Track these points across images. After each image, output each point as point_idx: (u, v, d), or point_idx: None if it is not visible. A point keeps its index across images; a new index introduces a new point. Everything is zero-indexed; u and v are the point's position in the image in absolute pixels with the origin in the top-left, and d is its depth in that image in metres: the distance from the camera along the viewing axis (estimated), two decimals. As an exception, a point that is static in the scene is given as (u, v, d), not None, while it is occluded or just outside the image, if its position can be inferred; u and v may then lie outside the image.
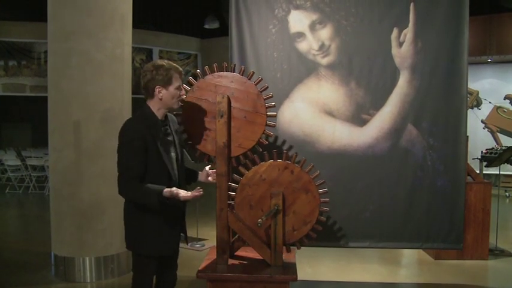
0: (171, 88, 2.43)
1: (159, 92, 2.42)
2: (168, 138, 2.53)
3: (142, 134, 2.37)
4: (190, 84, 2.79)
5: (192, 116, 2.76)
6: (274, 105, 2.87)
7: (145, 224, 2.44)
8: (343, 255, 4.93)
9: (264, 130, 2.80)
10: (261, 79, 2.84)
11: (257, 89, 2.79)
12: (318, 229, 2.82)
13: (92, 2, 4.10)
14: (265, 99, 2.79)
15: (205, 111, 2.76)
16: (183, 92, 2.57)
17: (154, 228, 2.45)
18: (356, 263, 4.79)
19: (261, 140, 2.81)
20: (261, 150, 2.82)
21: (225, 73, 2.80)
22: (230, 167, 2.86)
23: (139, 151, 2.36)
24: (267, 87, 2.85)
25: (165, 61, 2.47)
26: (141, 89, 2.49)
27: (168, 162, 2.46)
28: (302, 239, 2.82)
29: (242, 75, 2.81)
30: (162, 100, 2.44)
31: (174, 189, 2.32)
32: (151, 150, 2.39)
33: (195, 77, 2.83)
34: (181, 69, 2.52)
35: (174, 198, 2.31)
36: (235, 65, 2.90)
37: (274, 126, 2.93)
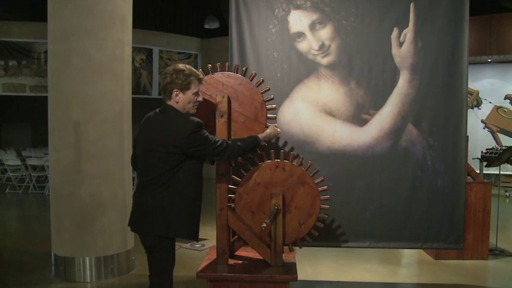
0: (189, 93, 2.49)
1: (176, 95, 2.48)
2: None
3: (202, 124, 2.52)
4: None
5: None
6: (275, 118, 2.88)
7: (189, 208, 2.52)
8: (343, 255, 4.93)
9: None
10: (269, 88, 2.85)
11: (262, 98, 2.80)
12: (324, 218, 2.83)
13: (92, 2, 4.10)
14: (268, 110, 2.79)
15: (206, 107, 2.76)
16: (201, 97, 2.58)
17: (195, 211, 2.56)
18: (356, 263, 4.79)
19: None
20: (251, 157, 2.83)
21: (235, 74, 2.81)
22: (230, 167, 2.87)
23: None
24: (273, 98, 2.86)
25: (187, 66, 2.53)
26: (161, 90, 2.57)
27: None
28: (311, 233, 2.82)
29: (251, 80, 2.82)
30: (179, 103, 2.50)
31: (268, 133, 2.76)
32: None
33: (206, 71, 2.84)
34: (201, 76, 2.57)
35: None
36: (246, 69, 2.90)
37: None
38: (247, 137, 2.69)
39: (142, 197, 2.54)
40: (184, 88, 2.47)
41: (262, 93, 2.81)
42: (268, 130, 2.77)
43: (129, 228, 2.61)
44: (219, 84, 2.78)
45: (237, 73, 2.82)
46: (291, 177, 2.77)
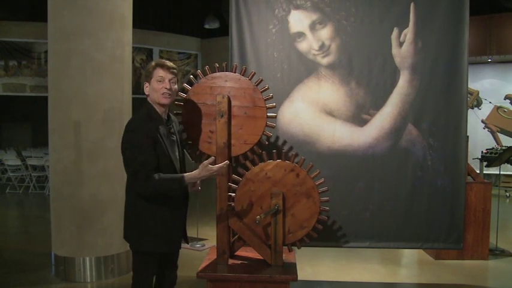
0: (153, 81, 2.43)
1: (146, 87, 2.46)
2: (172, 137, 2.54)
3: (151, 131, 2.38)
4: (185, 90, 2.80)
5: (191, 120, 2.77)
6: (272, 97, 2.85)
7: (145, 220, 2.44)
8: (343, 255, 4.93)
9: (266, 122, 2.79)
10: (254, 73, 2.84)
11: (252, 84, 2.79)
12: (313, 236, 2.82)
13: (92, 2, 4.09)
14: (262, 92, 2.79)
15: (204, 114, 2.76)
16: (166, 84, 2.41)
17: (153, 225, 2.44)
18: (356, 263, 4.79)
19: (265, 133, 2.82)
20: (267, 143, 2.83)
21: (218, 73, 2.80)
22: (231, 167, 2.86)
23: (150, 147, 2.36)
24: (262, 80, 2.85)
25: (158, 60, 2.51)
26: None
27: (174, 161, 2.48)
28: (295, 243, 2.82)
29: (235, 72, 2.80)
30: (150, 96, 2.46)
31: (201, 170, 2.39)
32: (159, 148, 2.39)
33: (190, 83, 2.83)
34: (168, 64, 2.46)
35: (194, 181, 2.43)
36: (226, 64, 2.89)
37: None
38: (173, 176, 2.38)
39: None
40: (149, 78, 2.44)
41: (249, 79, 2.80)
42: (197, 170, 2.41)
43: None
44: (207, 89, 2.78)
45: (220, 71, 2.81)
46: (300, 185, 2.76)
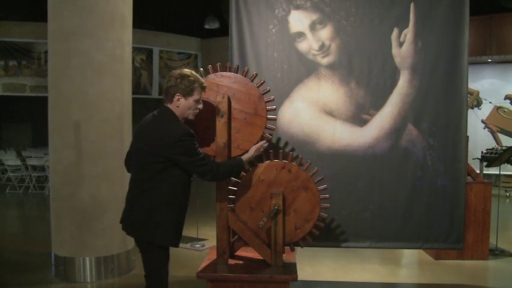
0: (190, 99, 2.50)
1: (178, 99, 2.49)
2: None
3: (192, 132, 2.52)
4: None
5: None
6: (275, 109, 2.86)
7: (174, 216, 2.51)
8: (343, 255, 4.93)
9: (263, 133, 2.79)
10: (263, 81, 2.84)
11: (259, 91, 2.79)
12: (320, 226, 2.82)
13: (92, 2, 4.10)
14: (266, 102, 2.79)
15: (206, 110, 2.76)
16: (201, 105, 2.57)
17: (179, 219, 2.54)
18: (356, 263, 4.79)
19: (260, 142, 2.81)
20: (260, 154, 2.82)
21: (227, 73, 2.80)
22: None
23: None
24: (269, 90, 2.85)
25: (193, 73, 2.53)
26: (163, 92, 2.57)
27: None
28: (305, 238, 2.82)
29: (245, 76, 2.81)
30: (179, 108, 2.50)
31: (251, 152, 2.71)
32: None
33: None
34: (205, 84, 2.57)
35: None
36: (238, 66, 2.89)
37: (274, 129, 2.90)
38: (233, 161, 2.67)
39: (132, 197, 2.54)
40: (187, 94, 2.48)
41: (257, 86, 2.80)
42: (250, 150, 2.73)
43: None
44: (213, 85, 2.77)
45: (230, 71, 2.81)
46: (295, 180, 2.76)
